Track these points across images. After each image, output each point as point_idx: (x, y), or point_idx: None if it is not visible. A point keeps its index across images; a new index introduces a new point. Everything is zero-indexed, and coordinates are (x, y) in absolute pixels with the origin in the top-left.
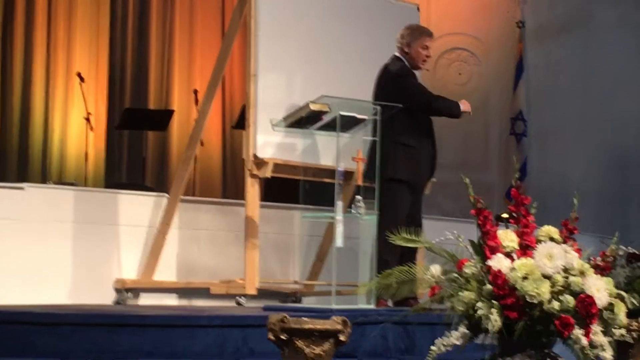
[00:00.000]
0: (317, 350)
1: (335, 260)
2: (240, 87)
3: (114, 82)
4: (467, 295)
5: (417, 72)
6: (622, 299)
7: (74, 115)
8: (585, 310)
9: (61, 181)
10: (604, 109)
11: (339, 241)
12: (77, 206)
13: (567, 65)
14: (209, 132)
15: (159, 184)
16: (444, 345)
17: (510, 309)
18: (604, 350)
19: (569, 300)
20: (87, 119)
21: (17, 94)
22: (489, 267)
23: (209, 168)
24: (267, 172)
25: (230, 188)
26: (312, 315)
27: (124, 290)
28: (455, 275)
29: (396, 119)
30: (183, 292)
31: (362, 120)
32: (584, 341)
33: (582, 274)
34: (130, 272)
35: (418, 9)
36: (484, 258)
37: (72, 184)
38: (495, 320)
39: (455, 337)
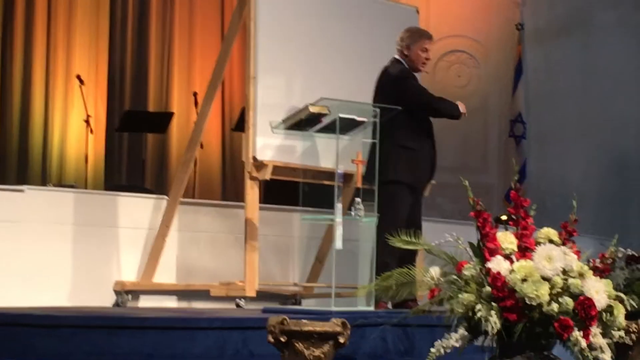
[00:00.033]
0: (317, 352)
1: (335, 263)
2: (239, 90)
3: (113, 85)
4: (467, 297)
5: (417, 75)
6: (621, 301)
7: (74, 118)
8: (585, 312)
9: (61, 183)
10: (604, 110)
11: (338, 243)
12: (77, 208)
13: (567, 67)
14: (209, 134)
15: (158, 186)
16: (443, 347)
17: (509, 311)
18: (603, 352)
19: (568, 302)
20: (87, 122)
21: (17, 96)
22: (488, 269)
23: (208, 170)
24: (267, 175)
25: (229, 190)
26: (311, 318)
27: (124, 292)
28: (455, 277)
29: (396, 121)
30: (183, 294)
31: (362, 122)
32: (583, 343)
33: (581, 276)
34: (130, 274)
35: (417, 11)
36: (483, 260)
37: (71, 186)
38: (494, 322)
39: (454, 339)
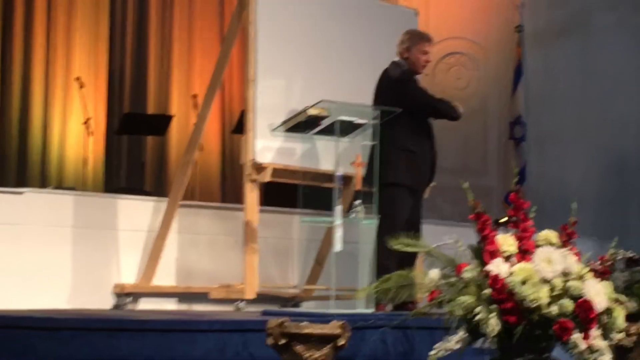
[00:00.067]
0: (317, 354)
1: (334, 265)
2: (239, 92)
3: (113, 87)
4: (466, 299)
5: (417, 77)
6: (620, 303)
7: (73, 120)
8: (584, 315)
9: (60, 186)
10: (603, 112)
11: (338, 246)
12: (76, 211)
13: (566, 69)
14: (208, 136)
15: (158, 188)
16: (443, 349)
17: (509, 313)
18: (602, 354)
19: (568, 304)
20: (87, 124)
21: (16, 99)
22: (488, 272)
23: (208, 173)
24: (266, 177)
25: (229, 193)
26: (311, 320)
27: (124, 294)
28: (454, 279)
29: (397, 123)
30: (182, 296)
31: (361, 125)
32: (583, 345)
33: (580, 278)
34: (129, 276)
35: (417, 13)
36: (482, 262)
37: (71, 189)
38: (494, 324)
39: (454, 341)
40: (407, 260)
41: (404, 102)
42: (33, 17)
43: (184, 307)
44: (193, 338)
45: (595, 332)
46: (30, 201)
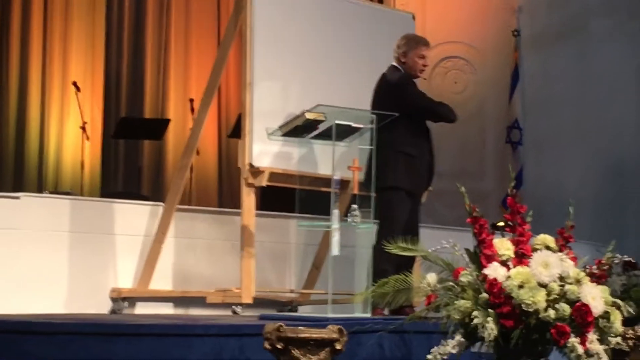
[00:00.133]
0: (314, 359)
1: (332, 269)
2: (236, 96)
3: (109, 91)
4: (463, 303)
5: (415, 81)
6: (618, 307)
7: (70, 125)
8: (581, 319)
9: (57, 190)
10: (600, 117)
11: (335, 250)
12: (73, 215)
13: (563, 73)
14: (205, 141)
15: (155, 193)
16: (440, 353)
17: (506, 318)
18: (600, 358)
19: (565, 308)
20: (83, 128)
21: (13, 104)
22: (485, 276)
23: (205, 177)
24: (263, 181)
25: (226, 197)
26: (308, 324)
27: (120, 299)
28: (452, 283)
29: (395, 127)
30: (179, 301)
31: (358, 129)
32: (580, 349)
33: (578, 282)
34: (126, 281)
35: (414, 17)
36: (480, 266)
37: (68, 193)
38: (491, 328)
39: (451, 345)
40: (405, 264)
41: (403, 106)
42: (30, 21)
43: (180, 311)
44: (190, 342)
45: (592, 336)
46: (27, 206)
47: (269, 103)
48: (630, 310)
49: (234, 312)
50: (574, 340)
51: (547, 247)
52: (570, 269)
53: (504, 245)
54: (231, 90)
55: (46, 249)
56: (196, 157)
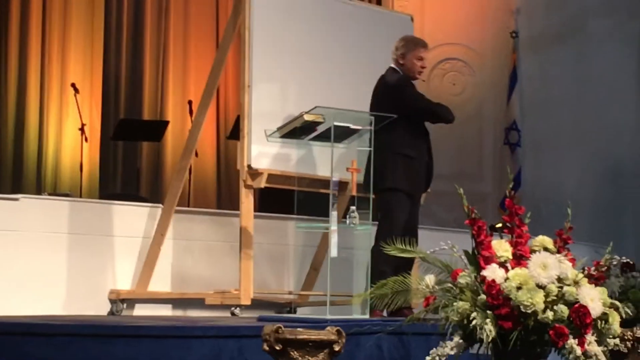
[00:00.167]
0: None
1: (330, 271)
2: (234, 98)
3: (108, 93)
4: (462, 305)
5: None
6: (616, 308)
7: (69, 126)
8: (580, 320)
9: (56, 192)
10: (598, 118)
11: (333, 251)
12: (71, 217)
13: (561, 75)
14: (204, 142)
15: (153, 194)
16: (438, 355)
17: (504, 319)
18: None
19: (563, 310)
20: (82, 130)
21: (12, 105)
22: (483, 277)
23: (203, 179)
24: (262, 183)
25: (224, 198)
26: (306, 326)
27: (119, 301)
28: (450, 285)
29: (394, 129)
30: (178, 302)
31: (357, 130)
32: (578, 351)
33: (576, 283)
34: (125, 282)
35: (412, 19)
36: (478, 268)
37: (66, 195)
38: (489, 330)
39: (449, 347)
40: (404, 265)
41: (402, 108)
42: (29, 23)
43: (179, 313)
44: (188, 344)
45: (590, 337)
46: (26, 207)
47: (267, 105)
48: (629, 311)
49: (233, 314)
50: (572, 341)
51: (546, 249)
52: (569, 270)
53: (502, 247)
54: (230, 92)
55: (45, 250)
56: (195, 159)
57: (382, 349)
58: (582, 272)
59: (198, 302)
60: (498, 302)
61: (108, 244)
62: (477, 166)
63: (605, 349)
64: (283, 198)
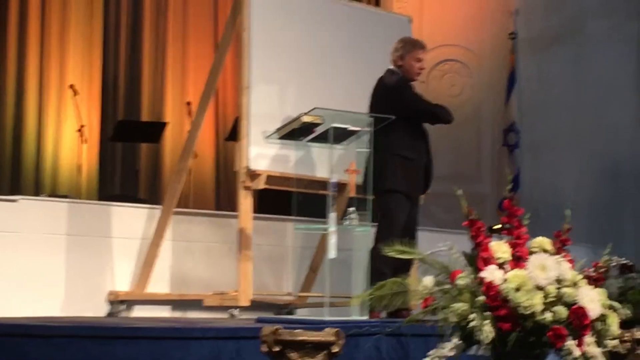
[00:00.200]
0: None
1: (329, 272)
2: (233, 99)
3: (107, 94)
4: (460, 306)
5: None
6: (615, 310)
7: (67, 128)
8: (578, 322)
9: (54, 193)
10: (596, 119)
11: (332, 253)
12: (70, 218)
13: (559, 76)
14: (202, 144)
15: (152, 196)
16: (437, 356)
17: (503, 320)
18: None
19: (562, 311)
20: (80, 131)
21: (10, 107)
22: (482, 279)
23: (202, 180)
24: (260, 184)
25: (223, 200)
26: (305, 327)
27: (118, 302)
28: (448, 286)
29: (392, 130)
30: (176, 304)
31: (355, 132)
32: (577, 352)
33: (575, 285)
34: (123, 284)
35: (410, 20)
36: (476, 269)
37: (65, 197)
38: (488, 331)
39: (448, 348)
40: (403, 267)
41: (401, 109)
42: (27, 24)
43: (178, 314)
44: (187, 345)
45: (589, 338)
46: (24, 209)
47: (266, 106)
48: (627, 313)
49: (231, 315)
50: (570, 343)
51: (544, 250)
52: (567, 271)
53: (500, 248)
54: (228, 93)
55: (44, 251)
56: (193, 160)
57: (381, 350)
58: (581, 273)
59: (197, 304)
60: (497, 303)
61: (107, 245)
62: (475, 167)
63: (604, 350)
64: (282, 199)
